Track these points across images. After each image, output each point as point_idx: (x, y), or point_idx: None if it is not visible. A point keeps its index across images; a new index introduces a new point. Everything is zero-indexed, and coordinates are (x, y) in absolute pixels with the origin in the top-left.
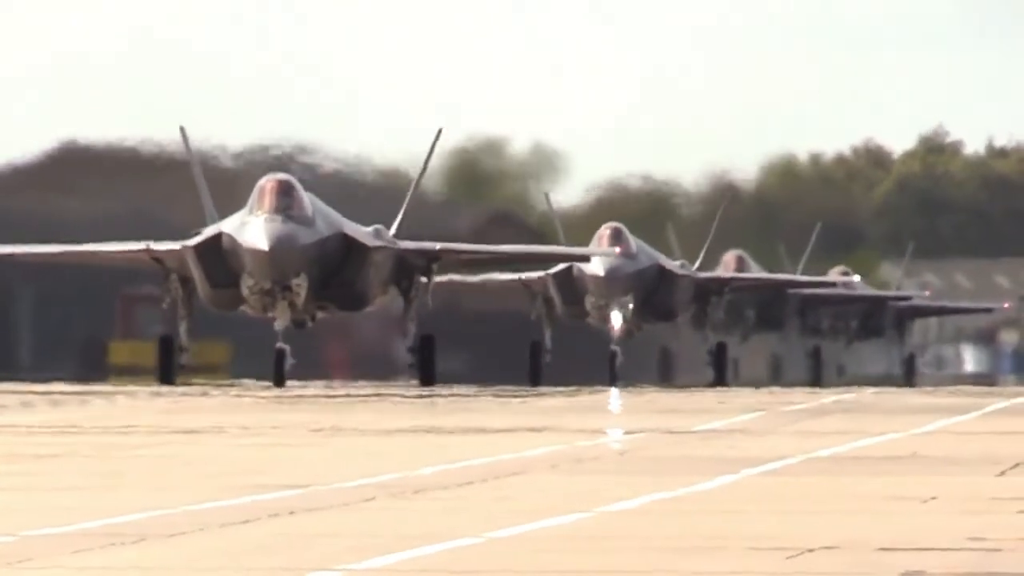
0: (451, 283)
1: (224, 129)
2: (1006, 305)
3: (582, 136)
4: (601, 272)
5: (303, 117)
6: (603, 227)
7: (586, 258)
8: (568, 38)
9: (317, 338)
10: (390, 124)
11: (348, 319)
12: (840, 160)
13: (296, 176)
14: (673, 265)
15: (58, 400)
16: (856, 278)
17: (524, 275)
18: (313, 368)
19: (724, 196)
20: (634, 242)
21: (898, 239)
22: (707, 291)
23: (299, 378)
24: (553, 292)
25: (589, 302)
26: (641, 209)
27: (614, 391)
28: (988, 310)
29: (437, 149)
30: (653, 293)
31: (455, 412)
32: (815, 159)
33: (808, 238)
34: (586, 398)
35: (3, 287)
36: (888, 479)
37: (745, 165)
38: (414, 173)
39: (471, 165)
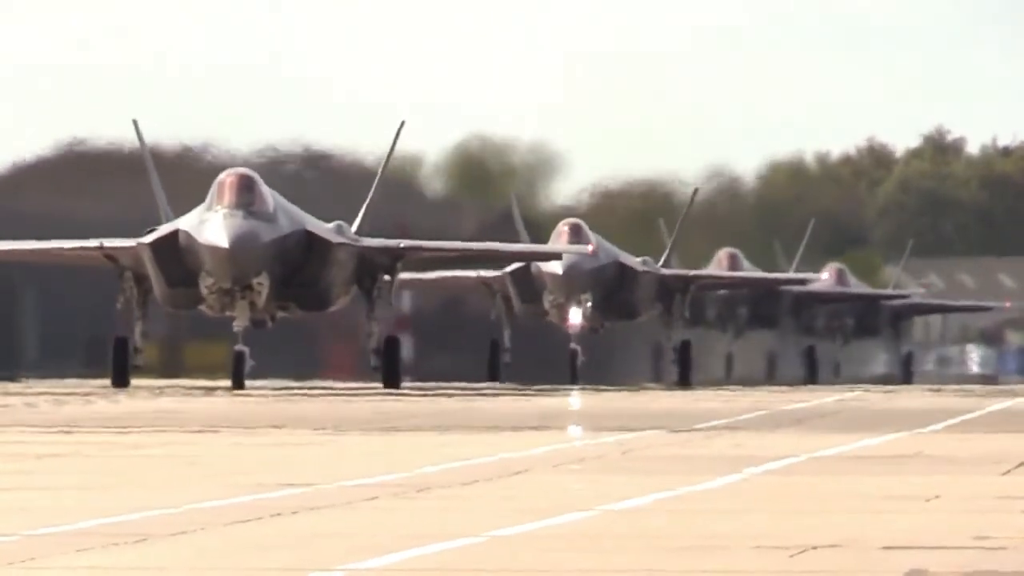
0: (409, 281)
1: (230, 130)
2: (1007, 304)
3: (585, 135)
4: (559, 270)
5: (308, 119)
6: (561, 223)
7: (557, 255)
8: (571, 38)
9: (320, 337)
10: (392, 123)
11: (349, 317)
12: (844, 159)
13: (306, 179)
14: (634, 262)
15: (61, 399)
16: (824, 275)
17: (483, 273)
18: (315, 367)
19: (692, 193)
20: (594, 239)
21: (901, 239)
22: (671, 288)
23: (298, 378)
24: (511, 290)
25: (547, 300)
26: (642, 208)
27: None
28: (987, 308)
29: (441, 147)
30: (614, 291)
31: (457, 411)
32: (818, 158)
33: (813, 236)
34: (585, 397)
35: (7, 286)
36: (892, 478)
37: (748, 164)
38: (414, 171)
39: (474, 164)
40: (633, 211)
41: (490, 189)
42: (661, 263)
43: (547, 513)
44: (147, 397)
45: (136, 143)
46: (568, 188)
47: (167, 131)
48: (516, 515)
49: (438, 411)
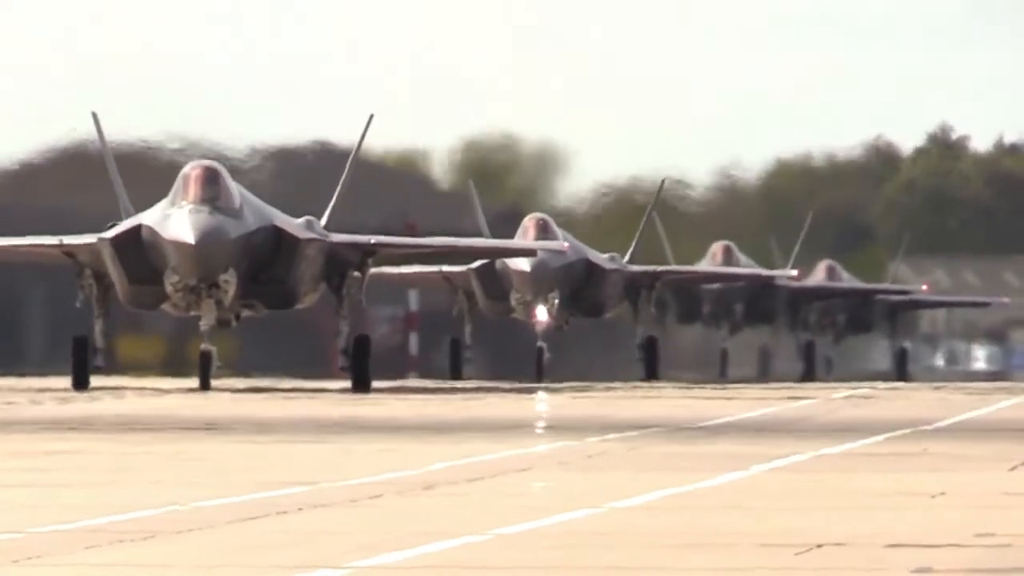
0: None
1: (234, 126)
2: (1005, 300)
3: (591, 132)
4: (527, 267)
5: (316, 116)
6: (528, 218)
7: (532, 252)
8: (577, 33)
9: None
10: (397, 119)
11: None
12: (850, 158)
13: (316, 174)
14: (601, 259)
15: (67, 397)
16: (794, 272)
17: (445, 268)
18: (324, 365)
19: (660, 184)
20: (561, 235)
21: (906, 236)
22: (638, 285)
23: (308, 377)
24: (475, 287)
25: (514, 297)
26: (648, 205)
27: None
28: (984, 304)
29: (448, 143)
30: (581, 287)
31: (462, 408)
32: (823, 156)
33: (818, 233)
34: (592, 394)
35: (13, 283)
36: (898, 475)
37: (753, 161)
38: (424, 166)
39: (481, 160)
40: (639, 208)
41: (497, 185)
42: (627, 258)
43: (552, 510)
44: (155, 395)
45: (142, 139)
46: (574, 185)
47: (173, 127)
48: (521, 512)
49: (441, 411)
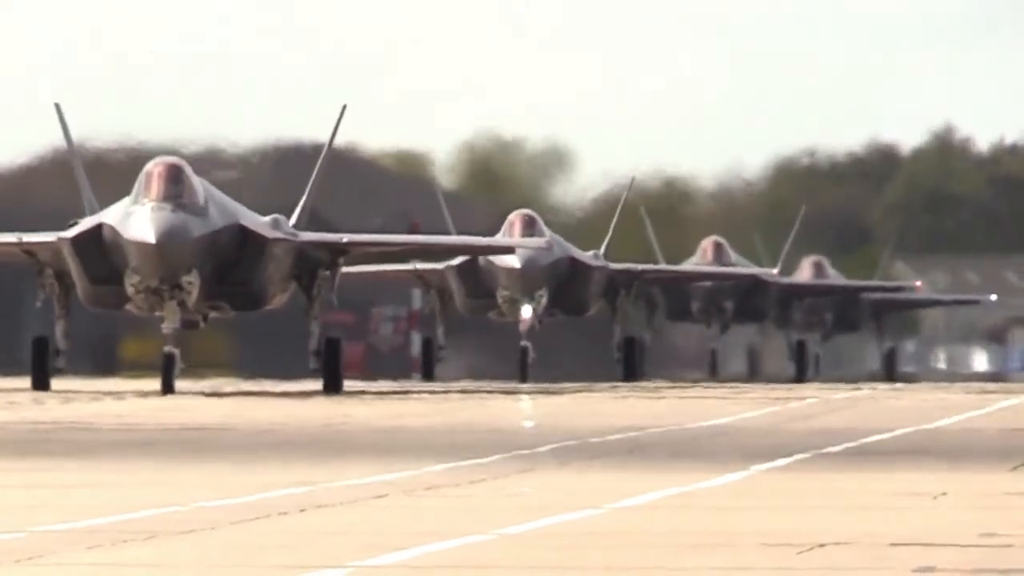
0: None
1: (231, 125)
2: (993, 298)
3: (596, 132)
4: (517, 265)
5: (315, 116)
6: (513, 214)
7: (510, 249)
8: (581, 33)
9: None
10: (399, 118)
11: (361, 312)
12: (849, 157)
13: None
14: (585, 256)
15: (69, 397)
16: (775, 271)
17: (419, 266)
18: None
19: (630, 181)
20: (548, 232)
21: (908, 236)
22: (618, 283)
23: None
24: (455, 285)
25: (501, 296)
26: (652, 205)
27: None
28: (974, 302)
29: (450, 144)
30: (565, 285)
31: (464, 408)
32: (823, 155)
33: (817, 232)
34: (590, 395)
35: (15, 285)
36: (899, 475)
37: (755, 161)
38: (428, 163)
39: (485, 161)
40: (644, 208)
41: (499, 186)
42: (602, 253)
43: (554, 511)
44: (156, 395)
45: (148, 141)
46: (575, 185)
47: (172, 125)
48: (523, 513)
49: (437, 412)
